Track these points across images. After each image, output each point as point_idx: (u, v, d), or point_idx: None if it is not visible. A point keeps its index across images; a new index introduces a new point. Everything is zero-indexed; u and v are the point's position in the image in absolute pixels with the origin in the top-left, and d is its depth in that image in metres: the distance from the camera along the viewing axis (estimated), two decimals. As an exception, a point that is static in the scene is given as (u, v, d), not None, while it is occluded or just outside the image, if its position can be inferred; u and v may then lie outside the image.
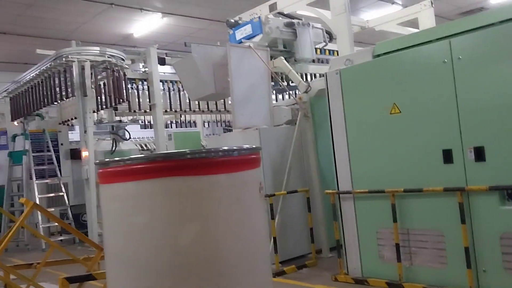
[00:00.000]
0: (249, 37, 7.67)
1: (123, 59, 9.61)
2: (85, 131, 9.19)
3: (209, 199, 2.39)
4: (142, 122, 12.84)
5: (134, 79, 10.15)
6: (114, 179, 2.47)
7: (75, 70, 8.93)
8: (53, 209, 10.04)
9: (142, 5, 13.10)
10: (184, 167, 2.37)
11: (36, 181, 10.31)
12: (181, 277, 2.31)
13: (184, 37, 15.28)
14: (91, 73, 9.17)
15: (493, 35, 4.45)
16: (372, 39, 9.32)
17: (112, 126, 10.44)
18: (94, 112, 9.65)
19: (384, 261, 5.27)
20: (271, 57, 7.59)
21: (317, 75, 8.98)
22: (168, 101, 10.70)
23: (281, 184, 6.76)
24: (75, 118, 9.97)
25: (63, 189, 10.48)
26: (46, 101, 9.51)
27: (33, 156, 10.60)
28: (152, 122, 10.98)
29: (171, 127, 13.88)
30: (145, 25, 14.65)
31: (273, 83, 7.87)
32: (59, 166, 10.89)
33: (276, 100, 9.50)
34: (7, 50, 15.76)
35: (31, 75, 9.89)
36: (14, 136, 11.25)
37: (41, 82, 9.57)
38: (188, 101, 11.01)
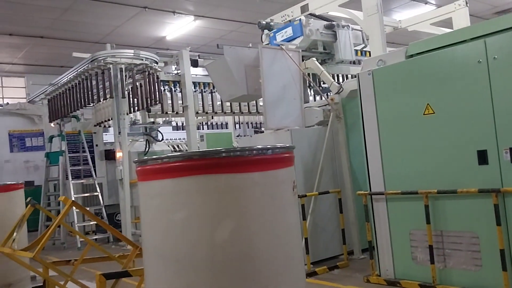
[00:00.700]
0: (289, 39, 7.78)
1: (156, 62, 9.77)
2: (119, 133, 9.38)
3: (244, 196, 2.44)
4: (174, 123, 13.00)
5: (167, 81, 10.30)
6: (152, 176, 2.54)
7: (112, 73, 9.13)
8: (88, 209, 10.25)
9: (175, 8, 13.28)
10: (220, 165, 2.43)
11: (72, 181, 10.55)
12: (217, 272, 2.36)
13: (216, 39, 15.43)
14: (125, 76, 9.36)
15: (529, 34, 4.38)
16: (405, 39, 9.24)
17: (145, 128, 10.62)
18: (127, 113, 9.84)
19: (417, 262, 5.23)
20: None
21: (349, 76, 8.96)
22: (201, 102, 10.81)
23: (312, 185, 6.77)
24: (109, 119, 10.18)
25: (98, 189, 10.70)
26: (82, 103, 9.74)
27: (69, 156, 10.85)
28: (184, 124, 11.12)
29: (203, 129, 14.03)
30: (178, 27, 14.84)
31: (311, 85, 7.95)
32: (94, 166, 11.12)
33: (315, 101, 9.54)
34: (44, 54, 16.18)
35: (68, 77, 10.14)
36: (51, 137, 11.55)
37: (78, 84, 9.81)
38: (220, 102, 11.11)
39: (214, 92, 10.82)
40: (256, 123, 14.93)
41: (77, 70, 9.73)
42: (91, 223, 10.62)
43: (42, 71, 17.50)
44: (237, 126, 14.76)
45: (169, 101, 10.39)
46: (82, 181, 10.91)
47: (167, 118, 11.20)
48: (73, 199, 10.19)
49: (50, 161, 11.32)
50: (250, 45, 8.50)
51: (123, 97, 9.38)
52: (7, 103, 16.05)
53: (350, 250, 6.92)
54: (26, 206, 5.01)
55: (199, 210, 2.40)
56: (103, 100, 9.70)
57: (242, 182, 2.44)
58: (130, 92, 9.68)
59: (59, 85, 10.64)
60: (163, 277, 2.48)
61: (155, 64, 9.67)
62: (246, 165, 2.46)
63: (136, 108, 9.84)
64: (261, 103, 9.84)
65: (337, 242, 6.94)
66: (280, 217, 2.56)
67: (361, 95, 5.73)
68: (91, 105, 10.31)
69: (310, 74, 8.15)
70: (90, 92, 9.48)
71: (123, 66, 9.28)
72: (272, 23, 8.09)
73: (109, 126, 11.41)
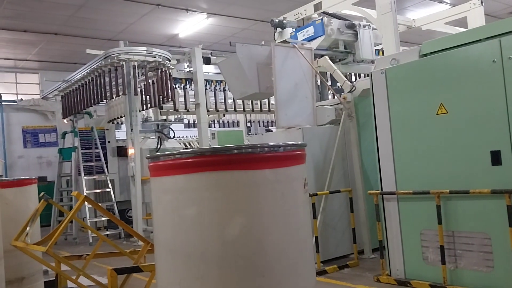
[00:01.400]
0: (311, 39, 7.81)
1: (169, 59, 9.81)
2: (132, 129, 9.44)
3: (255, 193, 2.45)
4: (186, 121, 13.05)
5: (180, 78, 10.34)
6: (164, 172, 2.55)
7: (125, 70, 9.18)
8: (99, 205, 10.33)
9: (188, 6, 13.32)
10: (231, 161, 2.43)
11: (84, 177, 10.64)
12: (227, 268, 2.37)
13: (229, 37, 15.45)
14: (138, 73, 9.41)
15: (545, 34, 4.34)
16: (418, 38, 9.19)
17: (157, 125, 10.67)
18: (140, 111, 9.89)
19: (428, 263, 5.21)
20: (332, 58, 7.81)
21: (362, 75, 8.93)
22: (214, 100, 10.84)
23: (323, 183, 6.76)
24: (122, 116, 10.24)
25: (110, 185, 10.77)
26: (95, 99, 9.81)
27: (81, 153, 10.94)
28: (195, 121, 11.16)
29: (214, 127, 14.07)
30: (190, 25, 14.87)
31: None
32: (106, 163, 11.20)
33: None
34: (58, 50, 16.30)
35: (81, 74, 10.22)
36: (64, 134, 11.65)
37: (91, 81, 9.88)
38: (232, 100, 11.13)
39: (226, 90, 10.84)
40: (267, 121, 14.95)
41: (90, 67, 9.80)
42: (103, 218, 10.71)
43: (56, 67, 17.64)
44: (249, 124, 14.78)
45: (181, 99, 10.43)
46: (94, 177, 10.99)
47: (179, 116, 11.25)
48: (85, 195, 10.26)
49: (63, 157, 11.43)
50: (263, 43, 8.50)
51: (136, 94, 9.44)
52: (21, 99, 16.22)
53: (361, 250, 6.90)
54: (39, 201, 5.05)
55: (210, 206, 2.41)
56: (115, 97, 9.76)
57: (253, 179, 2.44)
58: (143, 89, 9.73)
59: (73, 81, 10.73)
60: (174, 272, 2.49)
61: (168, 62, 9.72)
62: (258, 162, 2.46)
63: (149, 105, 9.90)
64: (272, 102, 9.86)
65: (347, 241, 6.93)
66: (291, 214, 2.56)
67: (373, 94, 5.71)
68: (104, 102, 10.39)
69: (328, 73, 8.14)
70: (103, 89, 9.54)
71: (136, 63, 9.33)
72: (285, 21, 8.09)
73: (122, 123, 11.49)
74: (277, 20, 8.05)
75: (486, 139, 4.69)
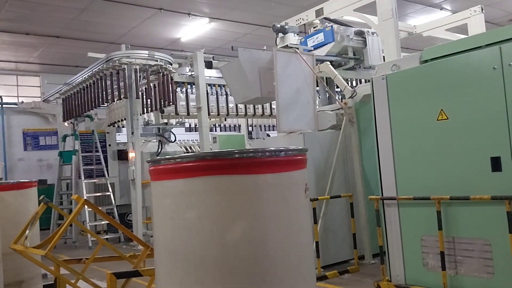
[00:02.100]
0: (321, 45, 8.01)
1: (170, 63, 9.83)
2: (133, 133, 9.44)
3: (256, 197, 2.45)
4: (187, 125, 13.06)
5: (183, 82, 10.36)
6: (165, 176, 2.55)
7: (126, 73, 9.19)
8: (99, 208, 10.32)
9: (190, 10, 13.35)
10: (232, 166, 2.44)
11: (85, 181, 10.65)
12: (228, 272, 2.37)
13: (231, 42, 15.48)
14: (140, 76, 9.43)
15: (546, 41, 4.35)
16: (419, 45, 9.21)
17: (159, 128, 10.67)
18: (141, 114, 9.90)
19: (428, 269, 5.20)
20: (340, 64, 8.01)
21: (363, 80, 8.95)
22: (216, 104, 10.85)
23: (324, 188, 6.76)
24: (123, 120, 10.25)
25: (110, 189, 10.77)
26: (96, 102, 9.82)
27: (82, 156, 10.94)
28: (197, 125, 11.17)
29: (216, 131, 14.07)
30: (193, 29, 14.90)
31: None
32: (106, 166, 11.21)
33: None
34: (60, 53, 16.32)
35: (83, 77, 10.23)
36: (65, 137, 11.66)
37: (92, 84, 9.89)
38: (234, 105, 11.14)
39: (229, 94, 10.85)
40: (269, 126, 14.95)
41: (92, 70, 9.82)
42: (103, 222, 10.71)
43: (58, 70, 17.66)
44: (250, 128, 14.78)
45: (182, 102, 10.44)
46: (94, 180, 11.00)
47: (180, 119, 11.25)
48: (85, 198, 10.26)
49: (63, 160, 11.43)
50: (265, 47, 8.52)
51: (137, 97, 9.46)
52: (22, 102, 16.23)
53: (361, 255, 6.90)
54: (39, 204, 5.06)
55: (211, 210, 2.41)
56: (117, 100, 9.78)
57: (254, 183, 2.45)
58: (144, 92, 9.74)
59: (74, 84, 10.74)
60: (174, 276, 2.49)
61: (169, 65, 9.73)
62: (259, 167, 2.47)
63: (150, 109, 9.91)
64: (274, 106, 9.87)
65: (348, 247, 6.92)
66: (292, 219, 2.56)
67: (374, 100, 5.71)
68: (105, 105, 10.40)
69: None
70: (104, 92, 9.56)
71: (137, 67, 9.35)
72: (286, 27, 8.10)
73: (123, 126, 11.50)
74: (279, 26, 8.07)
75: (486, 145, 4.69)
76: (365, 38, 8.18)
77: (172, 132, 10.90)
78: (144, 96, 9.80)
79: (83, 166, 10.83)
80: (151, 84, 9.52)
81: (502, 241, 4.56)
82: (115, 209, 10.64)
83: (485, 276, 4.73)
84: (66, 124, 11.98)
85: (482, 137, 4.73)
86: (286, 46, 7.93)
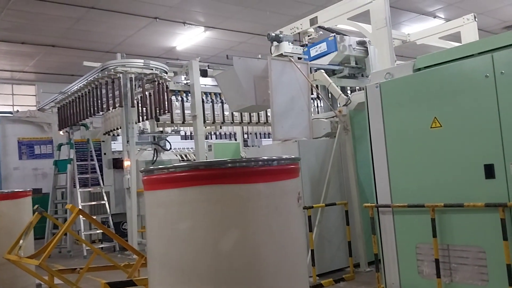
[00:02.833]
0: (323, 55, 8.11)
1: (166, 72, 9.84)
2: (128, 141, 9.43)
3: (249, 207, 2.46)
4: (183, 133, 13.06)
5: (179, 91, 10.37)
6: (158, 186, 2.56)
7: (122, 82, 9.20)
8: (95, 217, 10.30)
9: (185, 19, 13.40)
10: (225, 175, 2.45)
11: (80, 189, 10.59)
12: (221, 282, 2.37)
13: (226, 50, 15.53)
14: (135, 85, 9.43)
15: (537, 49, 4.38)
16: (413, 53, 9.27)
17: (154, 137, 10.67)
18: (136, 122, 9.90)
19: (423, 276, 5.20)
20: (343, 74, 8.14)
21: (357, 88, 8.98)
22: (212, 112, 10.86)
23: (319, 196, 6.77)
24: (118, 128, 10.24)
25: (105, 198, 10.74)
26: (91, 111, 9.81)
27: (77, 165, 10.91)
28: (192, 133, 11.17)
29: (211, 139, 14.07)
30: (188, 38, 14.95)
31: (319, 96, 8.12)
32: (101, 175, 11.17)
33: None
34: (55, 62, 16.34)
35: (78, 86, 10.23)
36: (60, 145, 11.62)
37: (87, 93, 9.89)
38: (231, 113, 11.15)
39: (225, 103, 10.86)
40: (264, 133, 14.96)
41: (87, 79, 9.82)
42: (98, 231, 10.66)
43: (53, 79, 17.66)
44: (246, 136, 14.79)
45: (177, 111, 10.45)
46: (89, 189, 10.95)
47: (176, 128, 11.25)
48: (80, 207, 10.23)
49: (58, 169, 11.38)
50: (259, 56, 8.56)
51: (132, 106, 9.45)
52: (17, 111, 16.19)
53: (357, 263, 6.89)
54: (33, 214, 5.04)
55: (204, 220, 2.42)
56: (112, 109, 9.77)
57: (247, 193, 2.46)
58: (139, 101, 9.75)
59: (69, 93, 10.74)
60: (167, 286, 2.49)
61: (165, 74, 9.74)
62: (252, 176, 2.48)
63: (145, 117, 9.91)
64: (269, 114, 9.90)
65: (343, 255, 6.92)
66: (285, 228, 2.57)
67: (368, 108, 5.73)
68: (101, 113, 10.39)
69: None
70: (99, 101, 9.56)
71: (133, 76, 9.36)
72: (281, 35, 8.13)
73: (118, 135, 11.48)
74: (273, 34, 8.09)
75: (479, 152, 4.71)
76: (367, 47, 8.31)
77: (167, 140, 10.89)
78: (140, 105, 9.81)
79: (78, 175, 10.79)
80: (147, 93, 9.53)
81: (496, 248, 4.57)
82: (110, 218, 10.60)
83: (480, 284, 4.74)
84: (61, 133, 11.95)
85: (475, 144, 4.75)
86: (281, 55, 7.95)
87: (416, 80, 5.29)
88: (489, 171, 4.62)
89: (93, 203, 10.87)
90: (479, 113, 4.72)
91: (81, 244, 10.13)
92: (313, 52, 8.28)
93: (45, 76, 17.69)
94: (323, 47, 8.16)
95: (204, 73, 10.30)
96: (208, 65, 10.54)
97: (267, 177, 2.52)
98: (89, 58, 12.96)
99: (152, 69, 9.45)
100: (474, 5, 13.45)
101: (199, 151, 10.22)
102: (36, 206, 5.04)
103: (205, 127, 11.21)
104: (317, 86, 8.00)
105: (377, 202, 5.64)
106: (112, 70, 9.19)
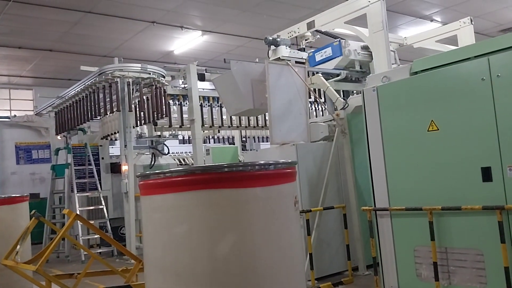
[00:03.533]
0: (328, 59, 8.18)
1: (163, 76, 9.84)
2: (126, 146, 9.42)
3: (245, 211, 2.45)
4: (181, 137, 13.04)
5: (177, 95, 10.37)
6: (154, 191, 2.56)
7: (119, 86, 9.19)
8: (92, 222, 10.27)
9: (183, 23, 13.40)
10: (222, 179, 2.44)
11: (77, 194, 10.57)
12: (218, 286, 2.37)
13: (223, 54, 15.52)
14: (132, 89, 9.43)
15: (534, 52, 4.40)
16: (410, 56, 9.29)
17: (152, 141, 10.65)
18: (134, 127, 9.89)
19: (422, 279, 5.20)
20: (346, 77, 8.21)
21: (355, 92, 8.99)
22: (210, 116, 10.85)
23: (317, 200, 6.76)
24: (116, 133, 10.23)
25: (103, 202, 10.71)
26: (89, 116, 9.80)
27: (74, 169, 10.88)
28: (190, 137, 11.15)
29: (209, 143, 14.06)
30: (185, 42, 14.95)
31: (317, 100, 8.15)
32: (99, 179, 11.14)
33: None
34: (53, 67, 16.31)
35: (75, 90, 10.22)
36: (57, 150, 11.60)
37: (85, 97, 9.88)
38: (229, 117, 11.14)
39: (223, 106, 10.85)
40: (262, 137, 14.95)
41: (84, 83, 9.81)
42: (96, 236, 10.63)
43: (50, 84, 17.63)
44: (244, 139, 14.77)
45: (175, 115, 10.44)
46: (87, 194, 10.93)
47: (174, 132, 11.24)
48: (78, 212, 10.20)
49: (56, 174, 11.36)
50: (257, 60, 8.56)
51: (130, 110, 9.44)
52: (15, 115, 16.17)
53: (355, 266, 6.89)
54: (31, 219, 5.03)
55: (200, 224, 2.41)
56: (110, 113, 9.76)
57: (244, 197, 2.46)
58: (137, 105, 9.74)
59: (67, 98, 10.72)
60: (164, 290, 2.49)
61: (162, 78, 9.74)
62: (248, 180, 2.48)
63: (143, 121, 9.90)
64: (267, 117, 9.89)
65: (341, 258, 6.91)
66: (281, 232, 2.57)
67: (365, 111, 5.74)
68: (98, 118, 10.38)
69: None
70: (97, 105, 9.54)
71: (130, 80, 9.35)
72: (278, 39, 8.14)
73: (116, 139, 11.46)
74: (271, 38, 8.11)
75: (476, 155, 4.72)
76: (371, 52, 8.29)
77: (165, 145, 10.88)
78: (137, 109, 9.80)
79: (76, 179, 10.76)
80: (144, 97, 9.52)
81: (494, 251, 4.58)
82: (108, 222, 10.58)
83: (478, 286, 4.74)
84: (59, 137, 11.94)
85: (472, 147, 4.76)
86: (278, 59, 7.96)
87: (413, 84, 5.30)
88: (486, 174, 4.63)
89: (91, 207, 10.85)
90: (476, 116, 4.73)
91: (79, 249, 10.10)
92: (318, 56, 8.36)
93: (43, 80, 17.66)
94: (328, 52, 8.24)
95: (201, 77, 10.28)
96: (205, 69, 10.53)
97: (264, 181, 2.52)
98: (87, 63, 12.97)
99: (150, 73, 9.44)
100: (470, 8, 13.47)
101: (197, 155, 10.21)
102: (33, 211, 5.02)
103: (203, 131, 11.20)
104: (316, 89, 8.02)
105: (375, 206, 5.64)
106: (110, 75, 9.18)
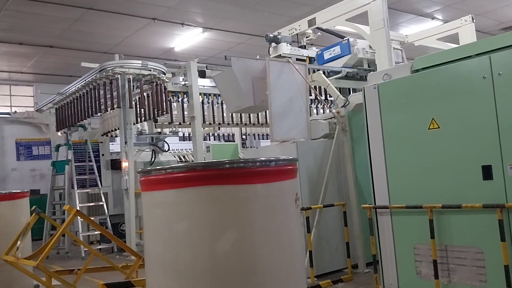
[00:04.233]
0: (337, 57, 8.30)
1: (164, 73, 9.83)
2: (126, 142, 9.41)
3: (246, 207, 2.45)
4: (181, 134, 13.04)
5: (179, 92, 10.36)
6: (155, 187, 2.56)
7: (120, 83, 9.18)
8: (92, 218, 10.26)
9: (184, 20, 13.40)
10: (223, 176, 2.44)
11: (78, 190, 10.57)
12: (218, 283, 2.37)
13: (224, 51, 15.52)
14: (133, 86, 9.42)
15: (535, 50, 4.39)
16: (411, 54, 9.28)
17: (152, 138, 10.65)
18: (134, 123, 9.88)
19: (422, 277, 5.20)
20: (354, 75, 8.27)
21: (357, 89, 8.99)
22: (212, 113, 10.84)
23: (318, 197, 6.77)
24: (116, 129, 10.23)
25: (103, 199, 10.71)
26: (89, 112, 9.79)
27: (75, 165, 10.88)
28: (191, 134, 11.15)
29: (209, 140, 14.06)
30: (186, 39, 14.94)
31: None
32: (99, 176, 11.14)
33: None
34: (53, 63, 16.33)
35: (76, 87, 10.21)
36: (58, 146, 11.60)
37: (85, 94, 9.87)
38: (231, 114, 11.13)
39: (224, 104, 10.84)
40: (262, 134, 14.96)
41: (85, 80, 9.80)
42: (96, 232, 10.63)
43: (51, 80, 17.64)
44: (244, 137, 14.78)
45: (177, 112, 10.43)
46: (87, 190, 10.92)
47: (174, 129, 11.23)
48: (78, 208, 10.20)
49: (56, 170, 11.36)
50: (258, 57, 8.56)
51: (130, 107, 9.43)
52: (15, 112, 16.18)
53: (355, 264, 6.89)
54: (31, 215, 5.03)
55: (201, 220, 2.41)
56: (110, 110, 9.76)
57: (244, 194, 2.45)
58: (138, 102, 9.73)
59: (67, 94, 10.71)
60: (165, 287, 2.49)
61: (163, 75, 9.73)
62: (249, 177, 2.48)
63: (143, 118, 9.90)
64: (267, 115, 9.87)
65: (341, 255, 6.91)
66: (282, 228, 2.57)
67: (366, 109, 5.73)
68: (99, 114, 10.37)
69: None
70: (97, 102, 9.53)
71: (131, 77, 9.34)
72: (279, 36, 8.14)
73: (116, 136, 11.46)
74: (271, 35, 8.10)
75: (477, 154, 4.72)
76: None
77: (165, 142, 10.87)
78: (138, 106, 9.79)
79: (76, 176, 10.75)
80: (145, 94, 9.52)
81: (494, 249, 4.57)
82: (108, 219, 10.58)
83: (478, 284, 4.74)
84: (59, 133, 11.93)
85: (473, 145, 4.75)
86: (279, 56, 7.96)
87: (414, 81, 5.30)
88: (487, 172, 4.63)
89: (91, 204, 10.85)
90: (477, 114, 4.73)
91: (79, 245, 10.10)
92: (327, 55, 8.45)
93: (43, 77, 17.67)
94: (336, 50, 8.33)
95: (202, 74, 10.27)
96: (206, 66, 10.52)
97: (265, 178, 2.52)
98: (87, 59, 12.94)
99: (150, 70, 9.43)
100: (472, 6, 13.48)
101: (197, 152, 10.21)
102: (33, 207, 5.03)
103: (204, 128, 11.19)
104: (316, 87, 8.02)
105: (375, 203, 5.64)
106: (110, 71, 9.17)
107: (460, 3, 13.42)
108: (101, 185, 11.00)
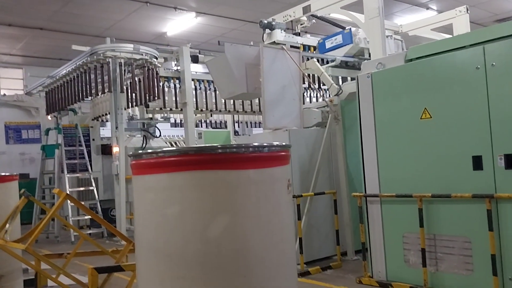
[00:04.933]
0: (338, 47, 8.34)
1: (156, 57, 9.76)
2: (117, 127, 9.37)
3: (238, 193, 2.44)
4: (173, 120, 12.99)
5: (171, 77, 10.29)
6: (147, 170, 2.53)
7: (111, 67, 9.11)
8: (83, 203, 10.23)
9: (177, 4, 13.28)
10: (215, 161, 2.42)
11: (68, 175, 10.52)
12: (209, 268, 2.36)
13: (217, 37, 15.44)
14: (124, 70, 9.34)
15: (529, 41, 4.39)
16: (405, 44, 9.29)
17: (143, 123, 10.61)
18: (125, 108, 9.82)
19: (410, 265, 5.25)
20: (354, 65, 8.28)
21: (349, 78, 8.98)
22: (204, 100, 10.79)
23: (309, 185, 6.78)
24: (107, 114, 10.16)
25: (93, 184, 10.68)
26: (80, 96, 9.71)
27: (65, 150, 10.81)
28: (182, 121, 11.11)
29: (201, 127, 14.02)
30: (179, 24, 14.83)
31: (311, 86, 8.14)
32: (90, 161, 11.10)
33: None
34: (43, 46, 16.14)
35: (66, 70, 10.12)
36: (48, 130, 11.52)
37: (76, 77, 9.78)
38: (224, 101, 11.08)
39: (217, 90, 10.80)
40: (255, 122, 14.93)
41: (76, 63, 9.71)
42: (86, 217, 10.60)
43: (41, 63, 17.46)
44: (236, 125, 14.76)
45: (171, 98, 10.37)
46: (77, 175, 10.88)
47: (165, 115, 11.19)
48: (68, 192, 10.16)
49: (46, 154, 11.29)
50: (252, 43, 8.51)
51: (122, 91, 9.37)
52: (4, 95, 16.00)
53: (344, 251, 6.93)
54: (20, 198, 5.00)
55: (193, 205, 2.40)
56: (101, 94, 9.69)
57: (237, 179, 2.44)
58: (129, 87, 9.67)
59: (57, 77, 10.62)
60: (155, 271, 2.48)
61: (155, 60, 9.66)
62: (242, 162, 2.46)
63: (134, 103, 9.84)
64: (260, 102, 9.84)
65: (331, 243, 6.95)
66: (274, 215, 2.56)
67: (359, 98, 5.74)
68: (89, 98, 10.29)
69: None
70: (88, 86, 9.45)
71: (122, 61, 9.26)
72: (273, 23, 8.10)
73: (107, 121, 11.39)
74: (266, 22, 8.05)
75: (468, 144, 4.74)
76: None
77: (157, 127, 10.84)
78: (129, 90, 9.72)
79: (66, 160, 10.70)
80: (136, 78, 9.45)
81: (481, 238, 4.62)
82: (98, 204, 10.55)
83: (465, 273, 4.79)
84: (49, 117, 11.84)
85: (464, 136, 4.78)
86: (273, 43, 7.92)
87: (407, 71, 5.30)
88: (477, 162, 4.66)
89: (81, 189, 10.82)
90: (469, 105, 4.74)
91: (68, 229, 10.09)
92: (329, 44, 8.48)
93: (33, 59, 17.48)
94: (338, 39, 8.36)
95: (195, 59, 10.22)
96: (199, 51, 10.46)
97: (257, 163, 2.50)
98: (78, 42, 12.81)
99: (142, 54, 9.36)
100: (466, -3, 13.47)
101: (189, 138, 10.18)
102: (22, 190, 4.99)
103: (196, 115, 11.15)
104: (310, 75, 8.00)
105: (365, 192, 5.67)
106: (102, 55, 9.09)
107: (454, -6, 13.41)
108: (91, 170, 10.96)
